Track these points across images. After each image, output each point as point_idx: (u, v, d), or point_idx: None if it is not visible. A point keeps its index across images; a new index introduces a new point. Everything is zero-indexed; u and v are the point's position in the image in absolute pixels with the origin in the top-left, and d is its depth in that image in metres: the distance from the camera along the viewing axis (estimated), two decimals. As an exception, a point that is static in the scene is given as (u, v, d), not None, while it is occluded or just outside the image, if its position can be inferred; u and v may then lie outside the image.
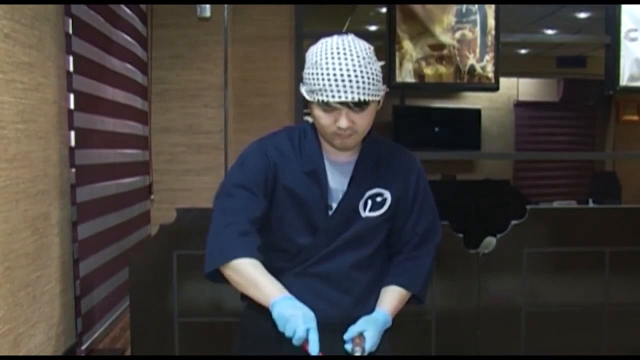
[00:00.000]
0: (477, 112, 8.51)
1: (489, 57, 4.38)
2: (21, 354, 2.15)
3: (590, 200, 6.24)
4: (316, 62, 1.57)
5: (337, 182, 1.73)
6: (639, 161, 8.04)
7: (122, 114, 3.40)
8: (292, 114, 4.66)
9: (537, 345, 3.01)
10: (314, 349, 1.51)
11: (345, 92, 1.54)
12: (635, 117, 8.84)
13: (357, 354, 1.61)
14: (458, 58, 4.37)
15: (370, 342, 1.63)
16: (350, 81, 1.54)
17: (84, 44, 2.71)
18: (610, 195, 7.28)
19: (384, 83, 1.64)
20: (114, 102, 3.22)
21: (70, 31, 2.55)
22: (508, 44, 4.97)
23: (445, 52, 4.36)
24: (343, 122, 1.59)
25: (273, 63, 4.70)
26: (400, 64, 4.33)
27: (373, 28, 7.07)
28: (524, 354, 3.00)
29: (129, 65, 3.52)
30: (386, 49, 4.31)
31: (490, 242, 3.08)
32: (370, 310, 1.73)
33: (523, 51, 8.34)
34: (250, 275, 1.62)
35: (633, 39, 4.51)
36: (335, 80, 1.54)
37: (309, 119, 1.73)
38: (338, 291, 1.73)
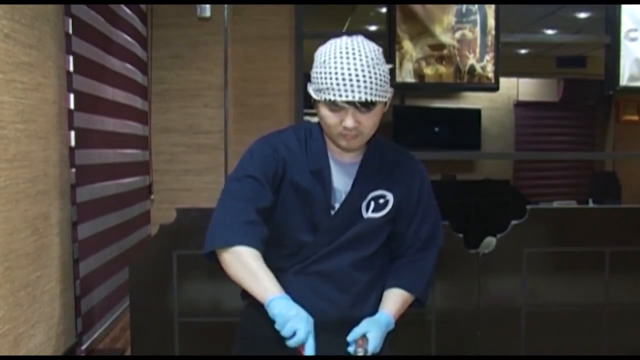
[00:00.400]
0: (477, 112, 8.51)
1: (489, 57, 4.38)
2: (21, 354, 2.15)
3: (590, 200, 6.24)
4: (325, 61, 1.58)
5: (341, 183, 1.73)
6: (639, 161, 8.04)
7: (122, 114, 3.40)
8: (292, 114, 4.66)
9: (537, 345, 3.01)
10: (310, 351, 1.51)
11: (353, 91, 1.54)
12: (635, 117, 8.84)
13: (360, 355, 1.61)
14: (458, 58, 4.37)
15: (373, 344, 1.63)
16: (358, 81, 1.54)
17: (84, 44, 2.71)
18: (610, 195, 7.28)
19: (396, 85, 1.64)
20: (114, 102, 3.22)
21: (70, 31, 2.55)
22: (508, 44, 4.97)
23: (445, 52, 4.36)
24: (349, 122, 1.59)
25: (273, 63, 4.70)
26: (400, 64, 4.33)
27: (373, 28, 7.07)
28: (524, 354, 3.00)
29: (129, 65, 3.52)
30: (386, 49, 4.31)
31: (490, 242, 3.08)
32: (369, 310, 1.74)
33: (523, 51, 8.34)
34: (250, 266, 1.59)
35: (633, 39, 4.51)
36: (343, 79, 1.54)
37: (310, 119, 1.73)
38: (337, 290, 1.73)
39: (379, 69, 1.57)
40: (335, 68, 1.55)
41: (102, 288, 2.96)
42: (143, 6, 4.02)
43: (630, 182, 7.81)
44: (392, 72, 1.66)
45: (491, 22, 4.37)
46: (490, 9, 4.37)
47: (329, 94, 1.56)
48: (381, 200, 1.74)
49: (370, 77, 1.55)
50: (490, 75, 4.40)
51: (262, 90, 4.72)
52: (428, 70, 4.38)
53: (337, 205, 1.72)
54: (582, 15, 6.58)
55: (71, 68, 2.56)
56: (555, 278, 3.04)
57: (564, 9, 6.31)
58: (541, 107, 8.98)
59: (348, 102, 1.56)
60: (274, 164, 1.69)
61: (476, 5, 4.35)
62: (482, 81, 4.41)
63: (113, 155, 3.19)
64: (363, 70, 1.54)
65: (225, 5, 4.02)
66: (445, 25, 4.35)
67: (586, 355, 2.99)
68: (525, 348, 3.01)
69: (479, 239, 3.21)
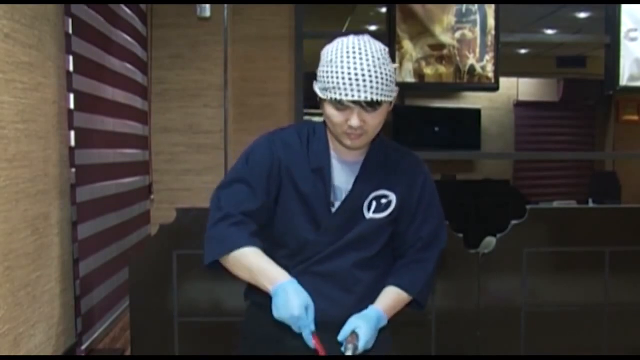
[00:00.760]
0: (477, 112, 8.51)
1: (489, 57, 4.38)
2: (21, 354, 2.15)
3: (590, 200, 6.24)
4: (331, 60, 1.58)
5: (343, 181, 1.73)
6: (639, 161, 8.04)
7: (122, 114, 3.40)
8: (292, 114, 4.66)
9: (537, 345, 3.01)
10: (308, 339, 1.57)
11: (359, 91, 1.55)
12: (635, 117, 8.84)
13: (349, 352, 1.59)
14: (458, 58, 4.37)
15: (364, 340, 1.62)
16: (365, 81, 1.55)
17: (84, 44, 2.71)
18: (610, 195, 7.27)
19: (396, 85, 1.64)
20: (114, 102, 3.22)
21: (70, 31, 2.55)
22: (508, 44, 4.97)
23: (445, 52, 4.36)
24: (355, 121, 1.59)
25: (273, 63, 4.70)
26: (400, 64, 4.33)
27: (373, 28, 7.06)
28: (524, 354, 3.00)
29: (129, 65, 3.52)
30: (386, 49, 4.31)
31: (490, 242, 3.08)
32: None
33: (523, 51, 8.34)
34: (250, 264, 1.65)
35: (633, 39, 4.51)
36: (350, 79, 1.55)
37: (310, 119, 1.73)
38: (340, 290, 1.73)
39: (385, 69, 1.57)
40: (342, 67, 1.56)
41: (102, 288, 2.95)
42: (143, 6, 4.02)
43: (630, 182, 7.81)
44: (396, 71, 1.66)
45: (491, 22, 4.37)
46: (490, 9, 4.37)
47: (335, 93, 1.57)
48: (384, 201, 1.74)
49: (376, 77, 1.55)
50: (490, 75, 4.40)
51: (262, 90, 4.72)
52: (428, 70, 4.38)
53: (337, 204, 1.72)
54: (582, 15, 6.58)
55: (71, 68, 2.56)
56: (555, 278, 3.04)
57: (564, 9, 6.31)
58: (541, 107, 8.98)
59: (354, 102, 1.57)
60: (270, 165, 1.71)
61: (476, 5, 4.35)
62: (482, 81, 4.41)
63: (113, 155, 3.19)
64: (370, 70, 1.55)
65: (225, 5, 4.02)
66: (445, 25, 4.35)
67: (586, 355, 2.99)
68: (525, 348, 3.01)
69: (479, 239, 3.21)
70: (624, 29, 4.51)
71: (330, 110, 1.63)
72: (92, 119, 2.85)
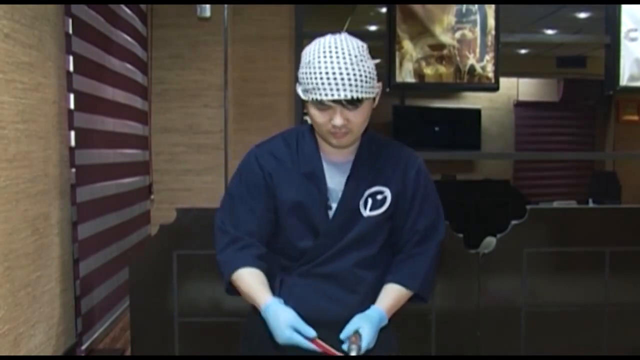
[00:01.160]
0: (477, 112, 8.51)
1: (489, 57, 4.38)
2: (21, 354, 2.15)
3: (590, 200, 6.24)
4: (309, 61, 1.59)
5: (336, 183, 1.73)
6: (639, 161, 8.04)
7: (122, 114, 3.40)
8: (292, 114, 4.66)
9: (537, 345, 3.01)
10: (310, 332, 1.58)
11: (338, 90, 1.55)
12: (635, 117, 8.84)
13: (353, 352, 1.60)
14: (458, 58, 4.37)
15: (367, 340, 1.62)
16: (342, 79, 1.55)
17: (84, 44, 2.71)
18: (610, 195, 7.27)
19: (380, 81, 1.65)
20: (114, 102, 3.22)
21: (70, 31, 2.55)
22: (508, 44, 4.96)
23: (445, 52, 4.36)
24: (337, 120, 1.60)
25: (273, 63, 4.70)
26: (400, 64, 4.33)
27: (373, 28, 7.07)
28: (524, 354, 3.00)
29: (129, 65, 3.52)
30: (386, 49, 4.31)
31: (490, 242, 3.08)
32: None
33: (523, 51, 8.34)
34: (245, 285, 1.70)
35: (633, 39, 4.51)
36: (328, 78, 1.55)
37: (309, 119, 1.73)
38: (344, 290, 1.73)
39: (363, 65, 1.58)
40: (320, 67, 1.56)
41: (102, 288, 2.96)
42: (143, 6, 4.02)
43: (630, 182, 7.81)
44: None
45: (491, 22, 4.37)
46: (490, 9, 4.37)
47: (315, 93, 1.58)
48: (379, 197, 1.74)
49: (354, 75, 1.55)
50: (490, 75, 4.39)
51: (262, 90, 4.72)
52: (428, 70, 4.37)
53: (334, 206, 1.72)
54: (582, 15, 6.58)
55: (71, 68, 2.56)
56: (555, 278, 3.04)
57: (564, 9, 6.31)
58: (541, 107, 8.98)
59: (334, 101, 1.58)
60: (262, 181, 1.74)
61: (476, 5, 4.35)
62: (482, 81, 4.40)
63: (113, 155, 3.19)
64: (347, 68, 1.55)
65: (225, 5, 4.02)
66: (445, 25, 4.35)
67: (586, 355, 2.99)
68: (525, 348, 3.01)
69: (479, 239, 3.21)
70: (624, 29, 4.50)
71: (313, 110, 1.64)
72: (92, 119, 2.85)
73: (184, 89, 4.42)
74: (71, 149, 2.58)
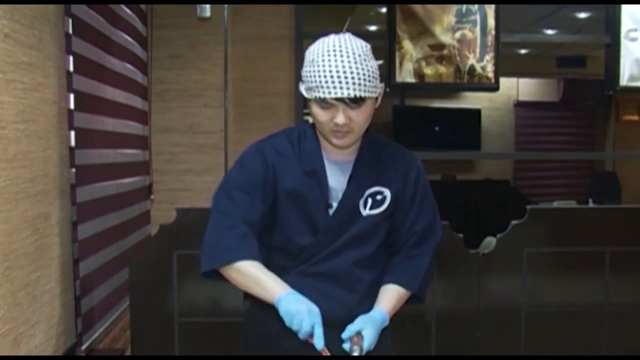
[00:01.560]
0: (477, 112, 8.51)
1: (489, 57, 4.38)
2: (21, 354, 2.15)
3: (590, 200, 6.24)
4: (313, 60, 1.60)
5: (337, 182, 1.74)
6: (639, 161, 8.04)
7: (122, 114, 3.40)
8: (292, 114, 4.66)
9: (537, 345, 3.01)
10: (318, 343, 1.54)
11: (342, 88, 1.56)
12: (635, 117, 8.84)
13: (355, 353, 1.61)
14: (458, 58, 4.37)
15: (368, 341, 1.63)
16: (346, 77, 1.56)
17: (84, 44, 2.71)
18: (610, 195, 7.27)
19: (382, 81, 1.65)
20: (114, 102, 3.22)
21: (70, 31, 2.55)
22: (508, 44, 4.97)
23: (445, 52, 4.36)
24: (340, 119, 1.61)
25: (273, 63, 4.70)
26: (400, 64, 4.33)
27: (373, 28, 7.07)
28: (524, 354, 3.00)
29: (129, 65, 3.52)
30: (386, 49, 4.31)
31: (490, 242, 3.08)
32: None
33: (523, 51, 8.34)
34: (255, 275, 1.65)
35: (633, 39, 4.51)
36: (332, 77, 1.56)
37: (309, 119, 1.74)
38: (342, 289, 1.74)
39: (366, 65, 1.59)
40: (324, 66, 1.57)
41: (102, 288, 2.96)
42: (143, 6, 4.02)
43: (630, 182, 7.81)
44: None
45: (491, 22, 4.37)
46: (490, 9, 4.37)
47: (318, 91, 1.59)
48: (379, 197, 1.75)
49: (358, 74, 1.57)
50: (490, 75, 4.40)
51: (262, 90, 4.72)
52: (428, 70, 4.38)
53: (334, 204, 1.73)
54: (582, 15, 6.58)
55: (71, 68, 2.56)
56: (555, 278, 3.04)
57: (564, 9, 6.31)
58: (541, 107, 8.98)
59: (337, 99, 1.59)
60: (263, 173, 1.71)
61: (476, 5, 4.35)
62: (482, 81, 4.41)
63: (113, 155, 3.19)
64: (351, 67, 1.56)
65: (225, 5, 4.02)
66: (445, 25, 4.35)
67: (586, 355, 2.99)
68: (525, 348, 3.01)
69: (479, 239, 3.21)
70: (624, 29, 4.50)
71: (315, 109, 1.64)
72: (92, 119, 2.85)
73: (184, 89, 4.42)
74: (71, 149, 2.58)
